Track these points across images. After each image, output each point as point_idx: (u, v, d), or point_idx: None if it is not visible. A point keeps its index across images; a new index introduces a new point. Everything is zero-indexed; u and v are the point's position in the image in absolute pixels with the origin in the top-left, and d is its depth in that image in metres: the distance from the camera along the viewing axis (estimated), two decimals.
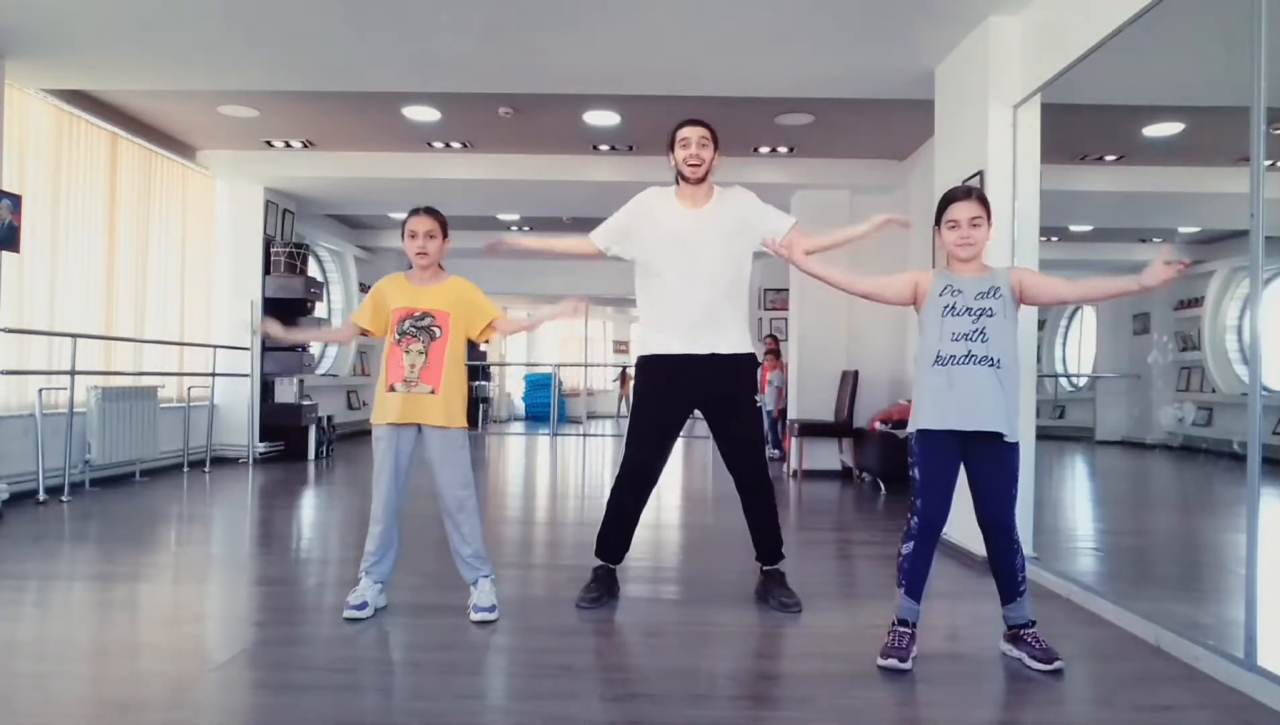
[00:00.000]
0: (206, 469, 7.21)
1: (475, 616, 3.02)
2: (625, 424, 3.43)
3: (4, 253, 5.07)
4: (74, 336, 5.79)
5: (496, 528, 4.98)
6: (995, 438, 2.59)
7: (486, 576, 3.13)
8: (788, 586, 3.36)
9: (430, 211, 3.14)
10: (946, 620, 3.20)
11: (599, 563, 3.39)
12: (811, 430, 7.41)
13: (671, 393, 3.27)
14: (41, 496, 5.37)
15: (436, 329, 3.07)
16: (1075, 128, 4.49)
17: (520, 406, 17.11)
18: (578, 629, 3.02)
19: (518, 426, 14.91)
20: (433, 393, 3.02)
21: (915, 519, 2.67)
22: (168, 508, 5.54)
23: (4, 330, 5.27)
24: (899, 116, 6.03)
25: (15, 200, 5.11)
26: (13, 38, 4.75)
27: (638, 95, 5.55)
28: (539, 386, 16.16)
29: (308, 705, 2.31)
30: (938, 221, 2.75)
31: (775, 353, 9.89)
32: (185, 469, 7.11)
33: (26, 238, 5.25)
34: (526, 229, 10.95)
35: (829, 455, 7.70)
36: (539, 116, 6.46)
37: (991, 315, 2.61)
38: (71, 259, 6.10)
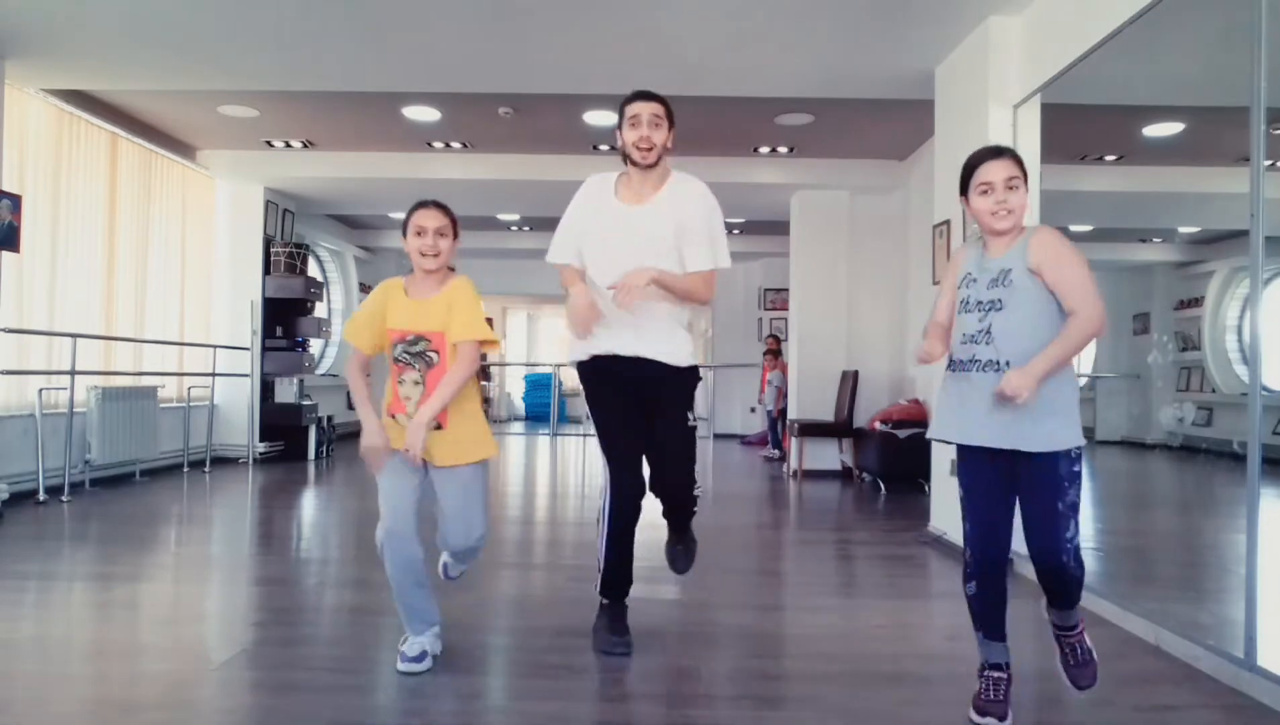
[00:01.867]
0: (206, 469, 7.21)
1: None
2: None
3: (4, 253, 5.07)
4: (74, 336, 5.79)
5: (497, 528, 4.98)
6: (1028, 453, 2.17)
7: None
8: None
9: (440, 206, 2.67)
10: (946, 620, 3.20)
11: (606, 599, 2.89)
12: (811, 430, 7.40)
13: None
14: (41, 496, 5.36)
15: (433, 355, 2.58)
16: (1075, 128, 4.49)
17: (520, 406, 17.11)
18: (578, 629, 3.01)
19: (518, 426, 14.91)
20: (439, 428, 2.55)
21: (968, 552, 2.27)
22: (168, 508, 5.54)
23: (4, 330, 5.27)
24: (899, 116, 6.03)
25: (15, 200, 5.11)
26: (13, 38, 4.75)
27: None
28: (539, 386, 16.16)
29: (308, 705, 2.31)
30: (964, 190, 2.29)
31: (775, 353, 9.90)
32: (185, 469, 7.11)
33: (26, 238, 5.25)
34: (526, 228, 10.96)
35: (829, 455, 7.70)
36: (539, 116, 6.46)
37: (1000, 308, 2.20)
38: (71, 259, 6.10)
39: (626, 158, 2.82)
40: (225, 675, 2.52)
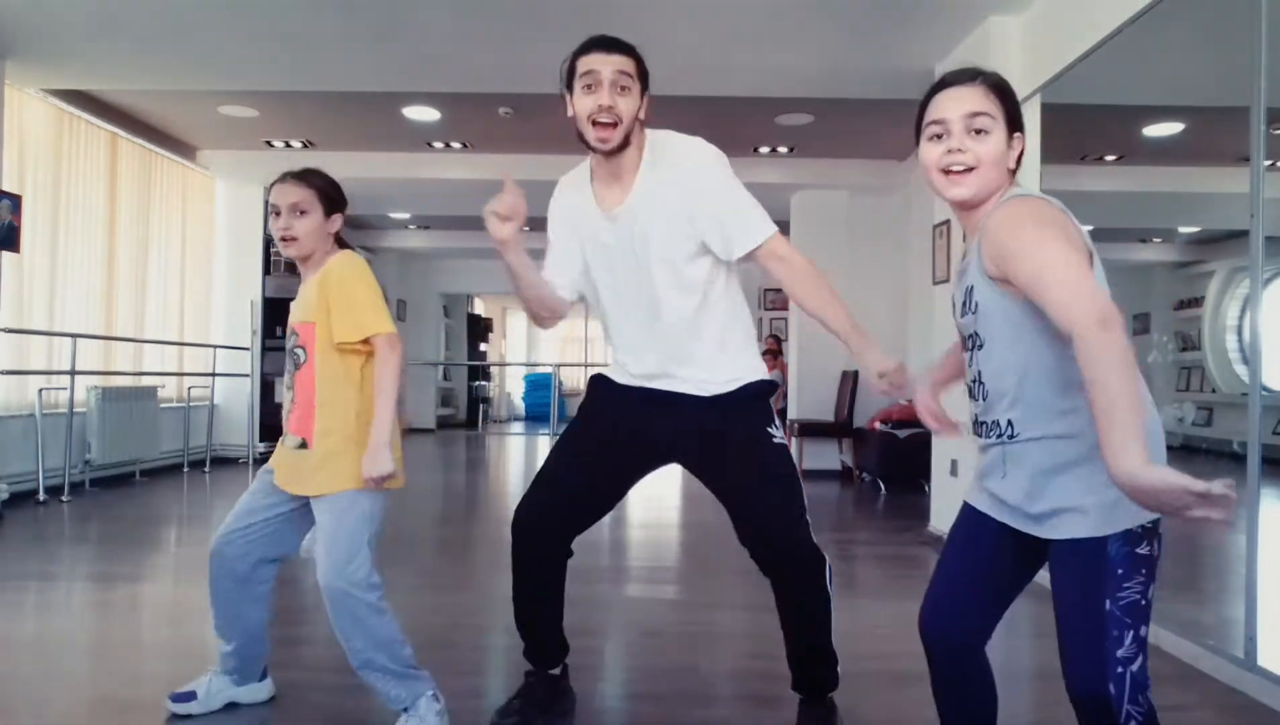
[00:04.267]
0: (206, 469, 7.20)
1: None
2: None
3: (4, 253, 5.07)
4: (74, 336, 5.79)
5: (499, 528, 4.98)
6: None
7: (418, 699, 2.08)
8: None
9: (302, 177, 2.10)
10: None
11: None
12: (811, 430, 7.41)
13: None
14: (41, 496, 5.36)
15: (299, 351, 2.04)
16: (1075, 128, 4.49)
17: (520, 406, 17.12)
18: (578, 629, 3.01)
19: (518, 426, 14.91)
20: (304, 447, 2.02)
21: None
22: (168, 508, 5.54)
23: (4, 330, 5.27)
24: (899, 116, 6.01)
25: (15, 200, 5.11)
26: (13, 38, 4.75)
27: None
28: (539, 386, 16.17)
29: (308, 705, 2.31)
30: (917, 136, 1.45)
31: (775, 353, 9.91)
32: (185, 469, 7.11)
33: (26, 238, 5.25)
34: (527, 229, 10.94)
35: (829, 455, 7.71)
36: (539, 116, 6.46)
37: (980, 346, 1.42)
38: (71, 259, 6.10)
39: (580, 136, 1.94)
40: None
